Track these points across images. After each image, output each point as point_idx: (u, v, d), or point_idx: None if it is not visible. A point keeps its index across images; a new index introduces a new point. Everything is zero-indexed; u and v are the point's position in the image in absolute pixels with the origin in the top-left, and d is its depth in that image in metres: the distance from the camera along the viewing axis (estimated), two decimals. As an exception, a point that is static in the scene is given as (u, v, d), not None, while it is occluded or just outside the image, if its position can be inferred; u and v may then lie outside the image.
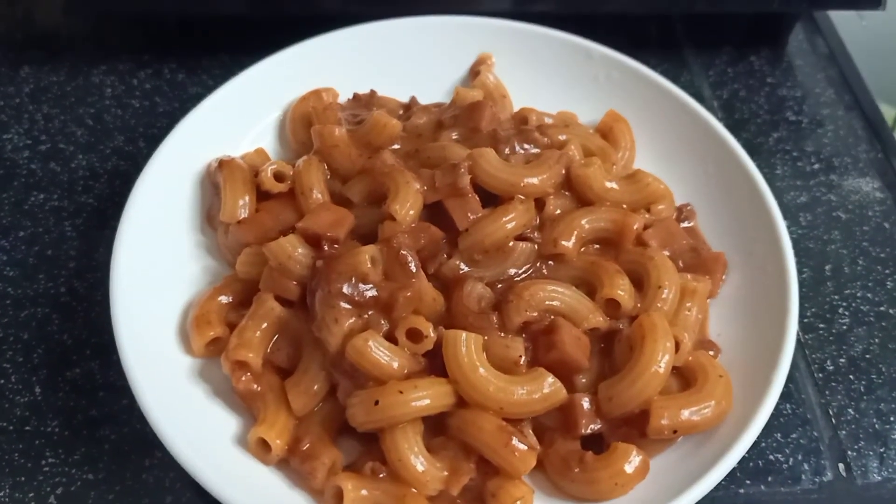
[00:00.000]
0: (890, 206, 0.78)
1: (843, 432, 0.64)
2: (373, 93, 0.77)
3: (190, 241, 0.68)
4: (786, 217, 0.70)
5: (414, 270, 0.59)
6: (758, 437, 0.57)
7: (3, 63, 0.86)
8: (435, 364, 0.57)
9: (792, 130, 0.84)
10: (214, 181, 0.69)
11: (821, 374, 0.67)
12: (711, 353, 0.63)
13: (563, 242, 0.63)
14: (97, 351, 0.65)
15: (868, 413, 0.65)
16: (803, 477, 0.61)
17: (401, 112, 0.76)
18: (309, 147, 0.70)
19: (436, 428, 0.57)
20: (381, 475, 0.55)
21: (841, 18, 0.94)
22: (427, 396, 0.55)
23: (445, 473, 0.55)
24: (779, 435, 0.63)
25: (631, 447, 0.56)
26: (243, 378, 0.59)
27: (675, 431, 0.57)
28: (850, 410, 0.65)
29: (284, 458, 0.57)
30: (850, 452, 0.63)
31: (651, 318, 0.59)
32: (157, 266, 0.64)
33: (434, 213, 0.63)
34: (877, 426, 0.64)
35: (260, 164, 0.70)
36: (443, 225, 0.62)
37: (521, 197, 0.64)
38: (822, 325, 0.70)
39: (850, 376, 0.67)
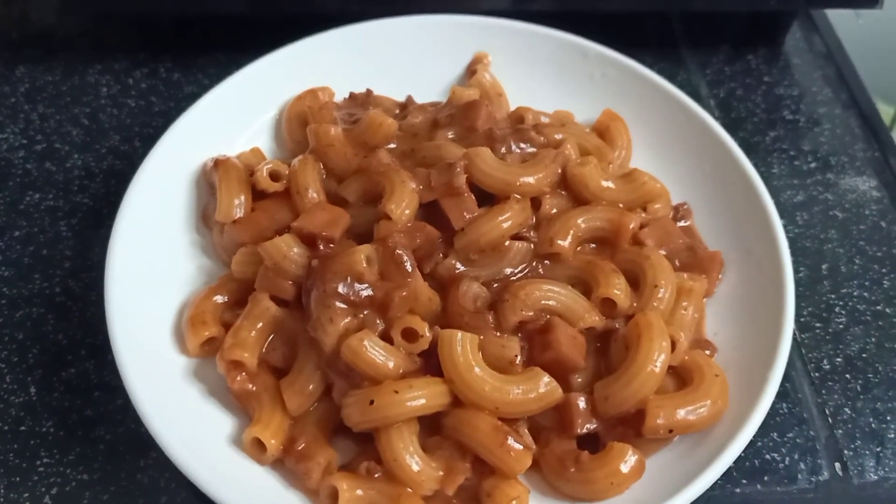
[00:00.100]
0: (886, 205, 0.78)
1: (840, 431, 0.64)
2: (369, 92, 0.77)
3: (185, 240, 0.68)
4: (782, 216, 0.70)
5: (409, 270, 0.59)
6: (754, 437, 0.57)
7: (-2, 62, 0.86)
8: (430, 364, 0.57)
9: (789, 129, 0.84)
10: (210, 180, 0.69)
11: (817, 374, 0.67)
12: (707, 352, 0.63)
13: (560, 242, 0.63)
14: (92, 351, 0.65)
15: (864, 412, 0.65)
16: (800, 476, 0.61)
17: (397, 111, 0.75)
18: (305, 146, 0.70)
19: (431, 428, 0.57)
20: (377, 475, 0.55)
21: (838, 17, 0.94)
22: (422, 396, 0.55)
23: (441, 473, 0.55)
24: (775, 434, 0.63)
25: (627, 447, 0.56)
26: (238, 378, 0.58)
27: (670, 431, 0.57)
28: (846, 410, 0.65)
29: (279, 458, 0.57)
30: (846, 452, 0.63)
31: (647, 317, 0.59)
32: (152, 265, 0.64)
33: (430, 212, 0.63)
34: (873, 425, 0.64)
35: (255, 163, 0.69)
36: (439, 224, 0.62)
37: (517, 196, 0.64)
38: (818, 325, 0.70)
39: (847, 375, 0.67)
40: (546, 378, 0.57)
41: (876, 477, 0.62)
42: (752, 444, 0.61)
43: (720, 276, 0.67)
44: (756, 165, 0.71)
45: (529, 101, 0.76)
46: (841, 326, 0.70)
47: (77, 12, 0.90)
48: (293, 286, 0.60)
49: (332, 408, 0.58)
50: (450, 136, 0.69)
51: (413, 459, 0.55)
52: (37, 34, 0.89)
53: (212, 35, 0.87)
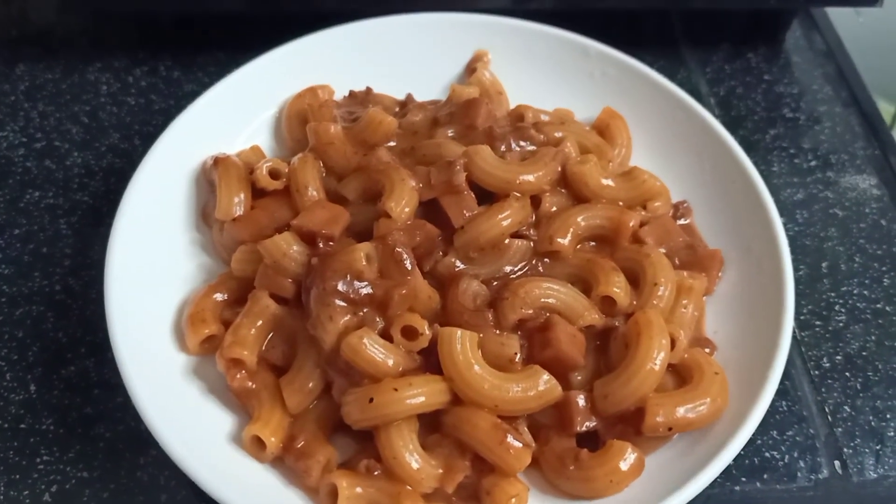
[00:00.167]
0: (887, 203, 0.78)
1: (839, 429, 0.64)
2: (369, 90, 0.77)
3: (185, 238, 0.68)
4: (782, 214, 0.70)
5: (409, 268, 0.59)
6: (753, 435, 0.57)
7: (-2, 61, 0.86)
8: (430, 361, 0.57)
9: (789, 127, 0.84)
10: (210, 178, 0.69)
11: (817, 372, 0.67)
12: (707, 350, 0.63)
13: (559, 240, 0.63)
14: (92, 349, 0.65)
15: (864, 410, 0.65)
16: (799, 474, 0.61)
17: (397, 109, 0.75)
18: (304, 144, 0.70)
19: (431, 425, 0.57)
20: (376, 473, 0.55)
21: (838, 15, 0.94)
22: (422, 394, 0.55)
23: (440, 471, 0.55)
24: (775, 432, 0.63)
25: (626, 445, 0.56)
26: (238, 376, 0.58)
27: (670, 429, 0.57)
28: (846, 408, 0.65)
29: (279, 455, 0.57)
30: (845, 450, 0.63)
31: (647, 315, 0.59)
32: (151, 264, 0.64)
33: (429, 210, 0.63)
34: (873, 423, 0.64)
35: (255, 161, 0.69)
36: (438, 222, 0.62)
37: (517, 194, 0.64)
38: (818, 323, 0.70)
39: (847, 373, 0.67)
40: (545, 376, 0.57)
41: (875, 475, 0.62)
42: (751, 441, 0.61)
43: (720, 275, 0.67)
44: (756, 163, 0.71)
45: (529, 100, 0.76)
46: (841, 324, 0.70)
47: (77, 10, 0.90)
48: (293, 284, 0.60)
49: (332, 406, 0.58)
50: (450, 135, 0.69)
51: (413, 457, 0.55)
52: (36, 32, 0.89)
53: (212, 33, 0.87)
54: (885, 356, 0.68)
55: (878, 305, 0.71)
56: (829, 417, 0.65)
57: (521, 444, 0.55)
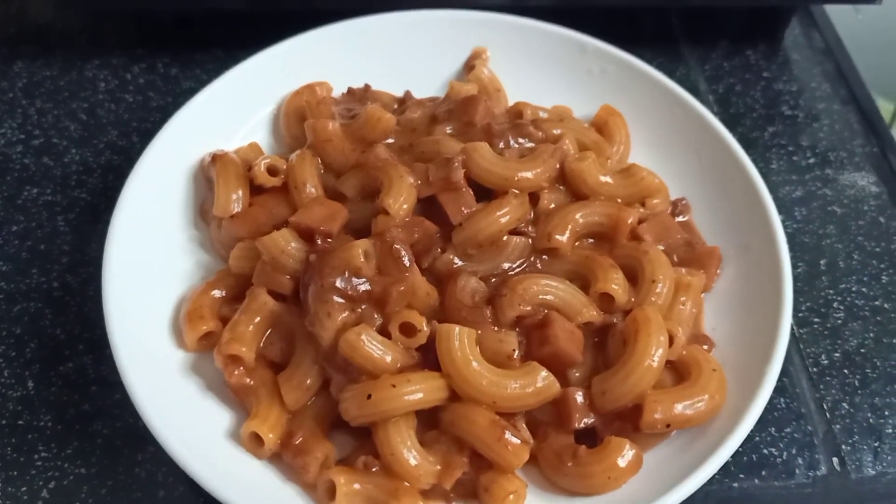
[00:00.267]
0: (885, 201, 0.78)
1: (838, 426, 0.64)
2: (367, 87, 0.77)
3: (183, 235, 0.68)
4: (781, 211, 0.70)
5: (407, 265, 0.59)
6: (752, 432, 0.57)
7: (-4, 58, 0.86)
8: (428, 358, 0.57)
9: (787, 125, 0.84)
10: (208, 175, 0.69)
11: (815, 369, 0.67)
12: (705, 347, 0.63)
13: (558, 237, 0.63)
14: (90, 346, 0.65)
15: (862, 407, 0.65)
16: (797, 471, 0.61)
17: (395, 106, 0.75)
18: (302, 141, 0.70)
19: (429, 422, 0.57)
20: (374, 469, 0.55)
21: (837, 13, 0.94)
22: (420, 390, 0.55)
23: (438, 467, 0.55)
24: (773, 429, 0.63)
25: (624, 441, 0.56)
26: (236, 372, 0.58)
27: (668, 425, 0.57)
28: (844, 405, 0.65)
29: (277, 452, 0.57)
30: (844, 447, 0.63)
31: (645, 312, 0.59)
32: (149, 261, 0.64)
33: (428, 207, 0.63)
34: (871, 420, 0.64)
35: (253, 158, 0.69)
36: (436, 219, 0.62)
37: (516, 191, 0.64)
38: (816, 320, 0.70)
39: (845, 371, 0.67)
40: (544, 373, 0.57)
41: (874, 472, 0.62)
42: (749, 438, 0.61)
43: (718, 272, 0.67)
44: (755, 161, 0.71)
45: (528, 97, 0.76)
46: (839, 322, 0.70)
47: (75, 8, 0.90)
48: (291, 281, 0.60)
49: (330, 402, 0.58)
50: (448, 132, 0.69)
51: (411, 454, 0.55)
52: (35, 30, 0.89)
53: (210, 31, 0.87)
54: (884, 353, 0.68)
55: (877, 303, 0.71)
56: (828, 414, 0.65)
57: (519, 441, 0.55)
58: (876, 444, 0.63)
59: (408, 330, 0.57)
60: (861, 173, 0.80)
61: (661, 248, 0.66)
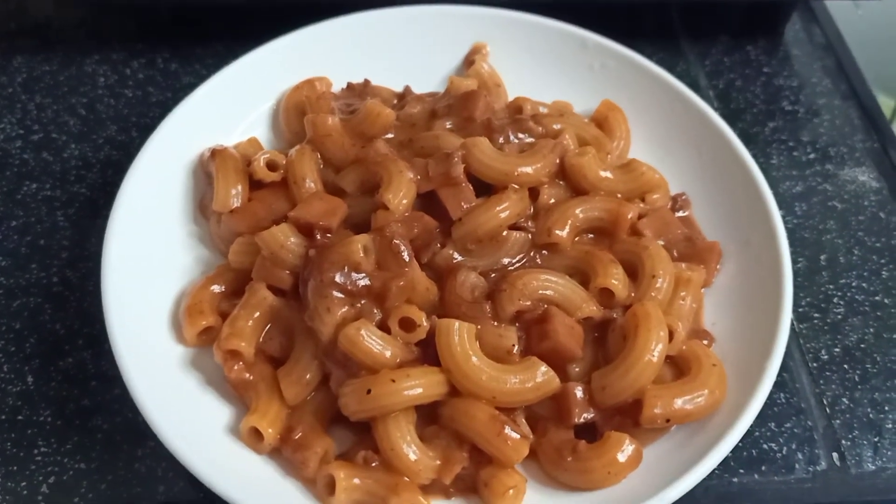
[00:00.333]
0: (885, 196, 0.78)
1: (838, 421, 0.64)
2: (366, 82, 0.77)
3: (182, 230, 0.68)
4: (781, 207, 0.70)
5: (407, 260, 0.59)
6: (752, 427, 0.57)
7: (-5, 53, 0.86)
8: (428, 353, 0.57)
9: (788, 120, 0.84)
10: (207, 170, 0.69)
11: (815, 364, 0.67)
12: (705, 342, 0.63)
13: (557, 232, 0.63)
14: (89, 341, 0.65)
15: (862, 402, 0.65)
16: (797, 466, 0.61)
17: (395, 101, 0.75)
18: (302, 136, 0.70)
19: (428, 417, 0.57)
20: (374, 464, 0.55)
21: (837, 8, 0.94)
22: (419, 385, 0.55)
23: (438, 462, 0.55)
24: (773, 424, 0.63)
25: (624, 436, 0.56)
26: (235, 367, 0.58)
27: (668, 420, 0.57)
28: (844, 400, 0.65)
29: (277, 447, 0.57)
30: (844, 442, 0.63)
31: (645, 307, 0.59)
32: (149, 256, 0.64)
33: (427, 202, 0.63)
34: (871, 415, 0.64)
35: (253, 153, 0.69)
36: (436, 214, 0.62)
37: (515, 186, 0.64)
38: (816, 315, 0.70)
39: (845, 366, 0.67)
40: (543, 368, 0.57)
41: (873, 467, 0.62)
42: (749, 433, 0.61)
43: (718, 267, 0.67)
44: (755, 156, 0.71)
45: (528, 92, 0.76)
46: (839, 317, 0.70)
47: (75, 2, 0.89)
48: (290, 276, 0.60)
49: (330, 397, 0.58)
50: (448, 127, 0.69)
51: (410, 448, 0.55)
52: (34, 24, 0.89)
53: (209, 25, 0.86)
54: (884, 348, 0.68)
55: (877, 298, 0.71)
56: (828, 409, 0.65)
57: (518, 436, 0.55)
58: (876, 440, 0.63)
59: (407, 325, 0.57)
60: (861, 169, 0.80)
61: (662, 243, 0.66)
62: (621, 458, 0.55)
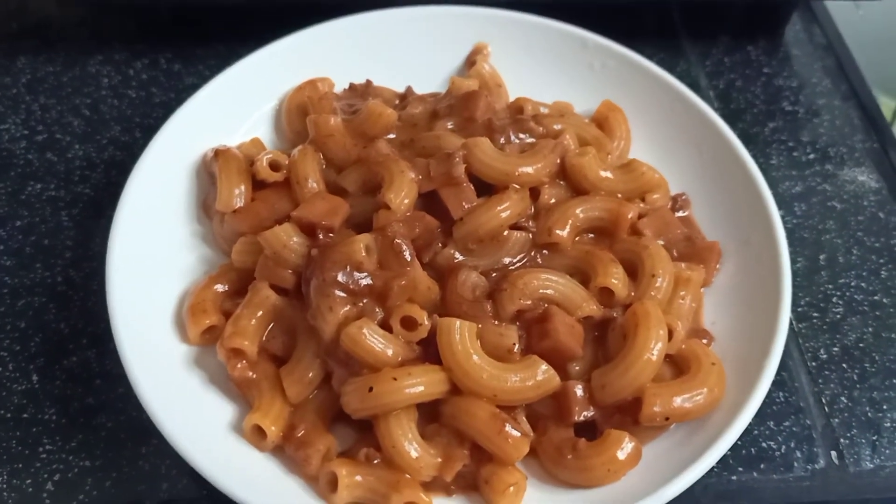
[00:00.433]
0: (885, 196, 0.78)
1: (836, 420, 0.64)
2: (368, 83, 0.77)
3: (185, 230, 0.68)
4: (781, 207, 0.70)
5: (408, 259, 0.59)
6: (751, 425, 0.58)
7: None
8: (429, 352, 0.58)
9: (788, 120, 0.84)
10: (210, 171, 0.70)
11: (814, 363, 0.67)
12: (705, 341, 0.63)
13: (558, 231, 0.64)
14: (94, 340, 0.66)
15: (861, 401, 0.65)
16: (796, 464, 0.62)
17: (396, 102, 0.76)
18: (304, 137, 0.71)
19: (430, 415, 0.57)
20: (376, 461, 0.55)
21: (838, 8, 0.94)
22: (421, 383, 0.56)
23: (439, 460, 0.55)
24: (772, 423, 0.64)
25: (624, 434, 0.56)
26: (239, 366, 0.59)
27: (667, 418, 0.57)
28: (842, 399, 0.65)
29: (279, 445, 0.57)
30: (842, 440, 0.63)
31: (644, 306, 0.59)
32: (152, 255, 0.65)
33: (429, 202, 0.63)
34: (869, 414, 0.65)
35: (255, 153, 0.70)
36: (437, 214, 0.62)
37: (516, 186, 0.64)
38: (815, 315, 0.70)
39: (844, 365, 0.67)
40: (544, 366, 0.57)
41: (872, 465, 0.62)
42: (748, 432, 0.62)
43: (718, 266, 0.68)
44: (755, 156, 0.72)
45: (529, 92, 0.76)
46: (838, 316, 0.70)
47: (76, 1, 0.90)
48: (293, 275, 0.60)
49: (332, 395, 0.58)
50: (449, 127, 0.69)
51: (412, 446, 0.55)
52: (37, 25, 0.89)
53: (209, 25, 0.87)
54: (882, 348, 0.68)
55: (876, 297, 0.71)
56: (826, 408, 0.65)
57: (519, 434, 0.56)
58: (874, 438, 0.63)
59: (409, 324, 0.58)
60: (861, 169, 0.80)
61: (661, 242, 0.66)
62: (621, 455, 0.56)
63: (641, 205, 0.68)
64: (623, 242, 0.65)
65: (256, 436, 0.57)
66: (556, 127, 0.71)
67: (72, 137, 0.80)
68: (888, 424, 0.64)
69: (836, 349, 0.68)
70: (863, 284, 0.72)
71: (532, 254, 0.64)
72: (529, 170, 0.64)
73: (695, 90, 0.76)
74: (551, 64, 0.79)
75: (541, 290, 0.60)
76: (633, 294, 0.62)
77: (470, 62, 0.80)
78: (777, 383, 0.64)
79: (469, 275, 0.61)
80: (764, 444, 0.63)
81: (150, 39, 0.87)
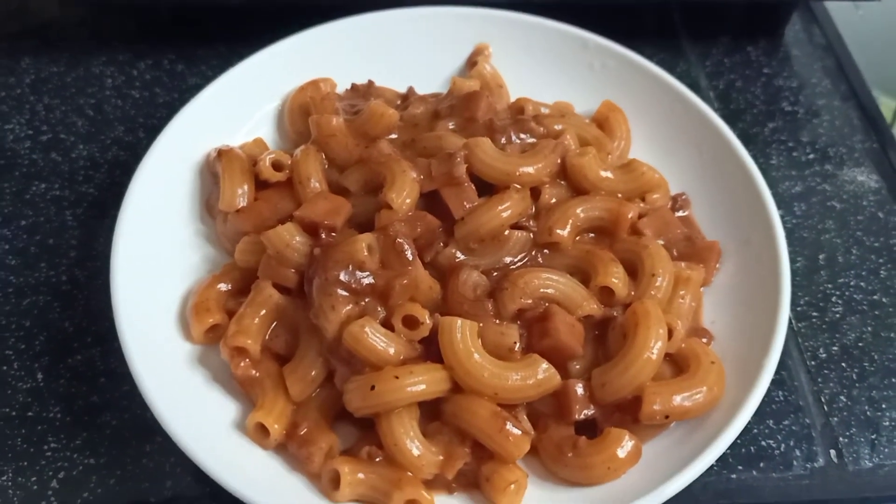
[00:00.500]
0: (884, 196, 0.79)
1: (835, 419, 0.65)
2: (370, 83, 0.78)
3: (189, 229, 0.69)
4: (780, 207, 0.71)
5: (410, 258, 0.59)
6: (750, 424, 0.58)
7: (2, 54, 0.86)
8: (431, 350, 0.58)
9: (787, 121, 0.85)
10: (213, 170, 0.70)
11: (813, 362, 0.68)
12: (704, 340, 0.63)
13: (559, 231, 0.64)
14: (98, 338, 0.66)
15: (860, 400, 0.66)
16: (795, 463, 0.62)
17: (398, 102, 0.76)
18: (307, 137, 0.71)
19: (431, 413, 0.58)
20: (378, 459, 0.56)
21: (837, 9, 0.95)
22: (422, 382, 0.56)
23: (441, 458, 0.56)
24: (771, 421, 0.64)
25: (624, 432, 0.57)
26: (242, 364, 0.59)
27: (667, 417, 0.58)
28: (842, 398, 0.66)
29: (282, 442, 0.58)
30: (841, 439, 0.64)
31: (644, 305, 0.60)
32: (156, 254, 0.65)
33: (430, 202, 0.64)
34: (868, 413, 0.65)
35: (258, 153, 0.70)
36: (439, 214, 0.63)
37: (517, 186, 0.64)
38: (815, 314, 0.70)
39: (843, 364, 0.68)
40: (544, 365, 0.57)
41: (871, 464, 0.63)
42: (748, 431, 0.62)
43: (718, 266, 0.68)
44: (755, 157, 0.72)
45: (529, 92, 0.76)
46: (837, 316, 0.70)
47: (78, 1, 0.90)
48: (295, 274, 0.61)
49: (334, 394, 0.59)
50: (450, 127, 0.69)
51: (413, 444, 0.55)
52: (41, 26, 0.89)
53: (209, 25, 0.87)
54: (881, 347, 0.68)
55: (875, 297, 0.71)
56: (825, 407, 0.65)
57: (520, 432, 0.56)
58: (873, 437, 0.64)
59: (410, 322, 0.58)
60: (860, 169, 0.81)
61: (661, 242, 0.67)
62: (621, 453, 0.56)
63: (641, 204, 0.69)
64: (623, 242, 0.66)
65: (259, 434, 0.58)
66: (557, 127, 0.71)
67: (76, 137, 0.80)
68: (887, 423, 0.64)
69: (835, 348, 0.68)
70: (862, 284, 0.72)
71: (533, 253, 0.64)
72: (530, 170, 0.65)
73: (695, 90, 0.77)
74: (552, 64, 0.79)
75: (541, 290, 0.60)
76: (633, 293, 0.63)
77: (471, 63, 0.80)
78: (776, 382, 0.65)
79: (470, 274, 0.61)
80: (763, 443, 0.63)
81: (153, 40, 0.88)
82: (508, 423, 0.56)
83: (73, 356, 0.65)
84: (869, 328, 0.70)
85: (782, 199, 0.77)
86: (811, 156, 0.82)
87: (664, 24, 0.92)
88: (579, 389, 0.58)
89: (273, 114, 0.77)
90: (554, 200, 0.66)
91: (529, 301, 0.60)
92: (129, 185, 0.66)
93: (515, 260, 0.64)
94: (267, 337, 0.61)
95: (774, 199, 0.68)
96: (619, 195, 0.68)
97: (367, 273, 0.58)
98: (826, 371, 0.67)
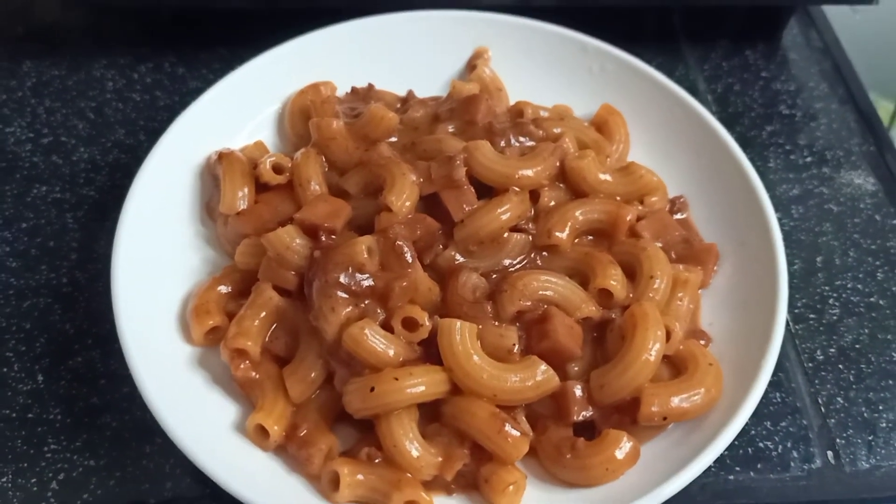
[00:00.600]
0: (881, 199, 0.79)
1: (832, 420, 0.65)
2: (370, 86, 0.78)
3: (189, 232, 0.69)
4: (778, 209, 0.71)
5: (410, 261, 0.60)
6: (747, 425, 0.58)
7: (4, 57, 0.87)
8: (430, 352, 0.58)
9: (785, 124, 0.85)
10: (214, 173, 0.70)
11: (811, 364, 0.68)
12: (702, 342, 0.64)
13: (557, 234, 0.64)
14: (98, 340, 0.66)
15: (857, 402, 0.66)
16: (792, 464, 0.62)
17: (398, 105, 0.76)
18: (307, 140, 0.71)
19: (431, 415, 0.58)
20: (377, 461, 0.56)
21: (835, 13, 0.95)
22: (422, 383, 0.56)
23: (440, 459, 0.56)
24: (768, 423, 0.64)
25: (622, 434, 0.57)
26: (242, 366, 0.59)
27: (665, 418, 0.58)
28: (839, 399, 0.66)
29: (282, 444, 0.58)
30: (838, 440, 0.64)
31: (643, 307, 0.60)
32: (157, 257, 0.65)
33: (430, 204, 0.64)
34: (865, 415, 0.65)
35: (259, 156, 0.70)
36: (438, 216, 0.63)
37: (516, 189, 0.65)
38: (812, 316, 0.71)
39: (840, 366, 0.68)
40: (543, 366, 0.58)
41: (867, 465, 0.63)
42: (745, 432, 0.62)
43: (715, 268, 0.68)
44: (752, 160, 0.72)
45: (529, 96, 0.77)
46: (835, 318, 0.71)
47: (79, 4, 0.90)
48: (296, 276, 0.61)
49: (334, 395, 0.59)
50: (450, 130, 0.70)
51: (413, 445, 0.56)
52: (42, 29, 0.90)
53: (215, 31, 0.88)
54: (878, 349, 0.69)
55: (872, 299, 0.72)
56: (823, 409, 0.65)
57: (518, 433, 0.56)
58: (870, 438, 0.64)
59: (410, 324, 0.58)
60: (857, 172, 0.81)
61: (660, 244, 0.67)
62: (619, 455, 0.56)
63: (640, 207, 0.69)
64: (622, 244, 0.66)
65: (259, 435, 0.58)
66: (556, 130, 0.71)
67: (77, 140, 0.80)
68: (884, 425, 0.65)
69: (832, 350, 0.69)
70: (859, 286, 0.73)
71: (532, 255, 0.65)
72: (529, 172, 0.65)
73: (693, 94, 0.77)
74: (551, 68, 0.80)
75: (540, 292, 0.61)
76: (631, 295, 0.63)
77: (471, 66, 0.80)
78: (774, 384, 0.65)
79: (469, 276, 0.61)
80: (761, 444, 0.63)
81: (154, 43, 0.88)
82: (507, 424, 0.56)
83: (73, 358, 0.66)
84: (866, 330, 0.70)
85: (780, 202, 0.77)
86: (809, 159, 0.82)
87: (663, 27, 0.93)
88: (578, 391, 0.59)
89: (273, 117, 0.77)
90: (553, 203, 0.67)
91: (528, 303, 0.60)
92: (129, 187, 0.67)
93: (514, 262, 0.64)
94: (267, 339, 0.61)
95: (772, 202, 0.69)
96: (618, 198, 0.68)
97: (367, 275, 0.59)
98: (823, 373, 0.67)
